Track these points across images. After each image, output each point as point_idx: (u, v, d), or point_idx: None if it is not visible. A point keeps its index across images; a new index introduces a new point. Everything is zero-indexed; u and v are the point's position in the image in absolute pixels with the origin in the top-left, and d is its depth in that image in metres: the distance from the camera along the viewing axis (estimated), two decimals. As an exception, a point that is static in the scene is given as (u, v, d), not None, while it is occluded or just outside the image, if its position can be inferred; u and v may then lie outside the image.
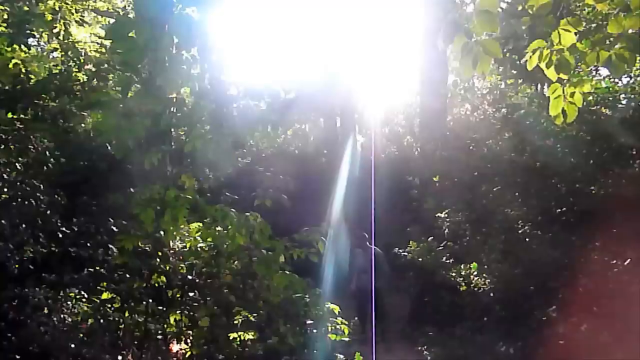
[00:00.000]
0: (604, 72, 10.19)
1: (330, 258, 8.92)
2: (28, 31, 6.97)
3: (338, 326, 6.58)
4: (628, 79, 8.80)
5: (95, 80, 7.09)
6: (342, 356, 6.37)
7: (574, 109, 3.43)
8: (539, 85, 11.28)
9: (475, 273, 8.70)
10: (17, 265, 5.07)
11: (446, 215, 9.85)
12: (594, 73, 10.00)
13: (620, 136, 7.02)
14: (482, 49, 3.34)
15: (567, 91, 3.41)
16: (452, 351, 7.97)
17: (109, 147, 5.76)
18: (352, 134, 15.42)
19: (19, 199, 5.61)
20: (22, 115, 6.49)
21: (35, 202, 5.63)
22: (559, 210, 7.51)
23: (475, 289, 8.53)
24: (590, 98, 7.30)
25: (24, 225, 5.40)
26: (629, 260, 6.03)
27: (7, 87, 6.67)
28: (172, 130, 6.37)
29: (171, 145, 5.79)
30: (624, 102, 7.42)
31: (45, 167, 6.38)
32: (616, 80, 8.77)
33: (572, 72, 3.53)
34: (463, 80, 12.83)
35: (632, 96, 7.47)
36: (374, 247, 9.55)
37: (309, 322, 6.40)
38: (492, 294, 8.12)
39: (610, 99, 7.42)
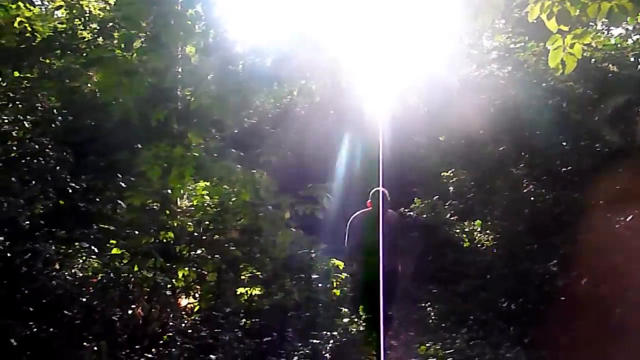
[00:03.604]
0: (616, 31, 10.04)
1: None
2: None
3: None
4: (638, 36, 8.67)
5: (100, 38, 7.07)
6: (346, 309, 6.52)
7: (573, 60, 3.42)
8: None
9: (479, 230, 8.80)
10: (27, 221, 5.14)
11: (451, 173, 9.90)
12: (605, 32, 9.85)
13: (627, 93, 6.97)
14: (485, 1, 3.32)
15: (567, 42, 3.39)
16: (455, 307, 8.11)
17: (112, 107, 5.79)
18: (359, 94, 15.33)
19: (28, 157, 5.67)
20: (28, 74, 6.52)
21: (44, 158, 5.69)
22: (564, 169, 7.52)
23: (479, 245, 8.64)
24: (598, 54, 7.24)
25: (34, 182, 5.47)
26: (631, 216, 6.06)
27: (12, 46, 6.67)
28: (179, 88, 6.38)
29: (177, 103, 5.80)
30: (632, 59, 7.33)
31: (52, 125, 6.43)
32: (625, 37, 8.65)
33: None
34: (470, 38, 12.66)
35: (641, 53, 7.37)
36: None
37: (314, 277, 6.53)
38: (495, 251, 8.22)
39: (618, 56, 7.34)
